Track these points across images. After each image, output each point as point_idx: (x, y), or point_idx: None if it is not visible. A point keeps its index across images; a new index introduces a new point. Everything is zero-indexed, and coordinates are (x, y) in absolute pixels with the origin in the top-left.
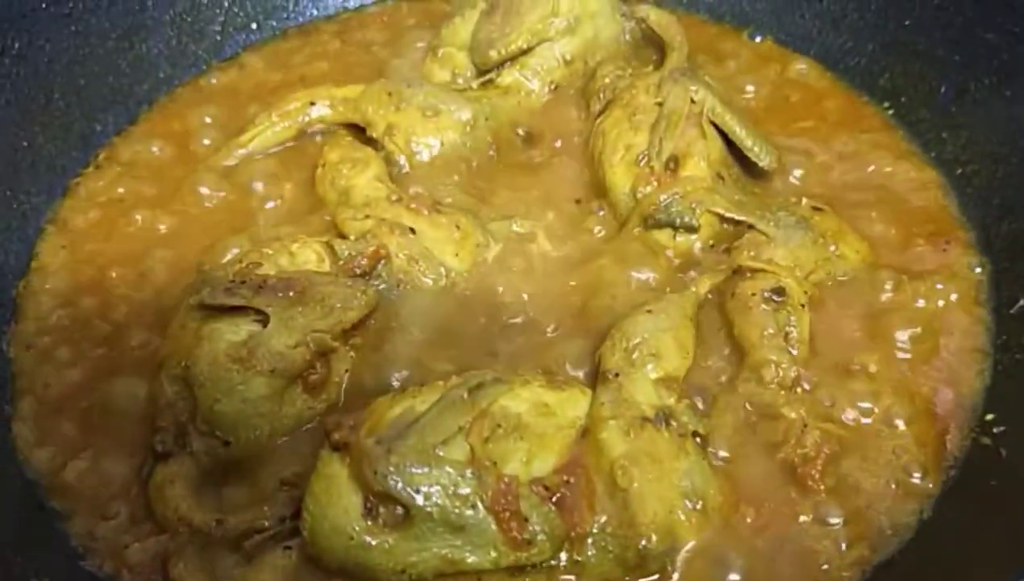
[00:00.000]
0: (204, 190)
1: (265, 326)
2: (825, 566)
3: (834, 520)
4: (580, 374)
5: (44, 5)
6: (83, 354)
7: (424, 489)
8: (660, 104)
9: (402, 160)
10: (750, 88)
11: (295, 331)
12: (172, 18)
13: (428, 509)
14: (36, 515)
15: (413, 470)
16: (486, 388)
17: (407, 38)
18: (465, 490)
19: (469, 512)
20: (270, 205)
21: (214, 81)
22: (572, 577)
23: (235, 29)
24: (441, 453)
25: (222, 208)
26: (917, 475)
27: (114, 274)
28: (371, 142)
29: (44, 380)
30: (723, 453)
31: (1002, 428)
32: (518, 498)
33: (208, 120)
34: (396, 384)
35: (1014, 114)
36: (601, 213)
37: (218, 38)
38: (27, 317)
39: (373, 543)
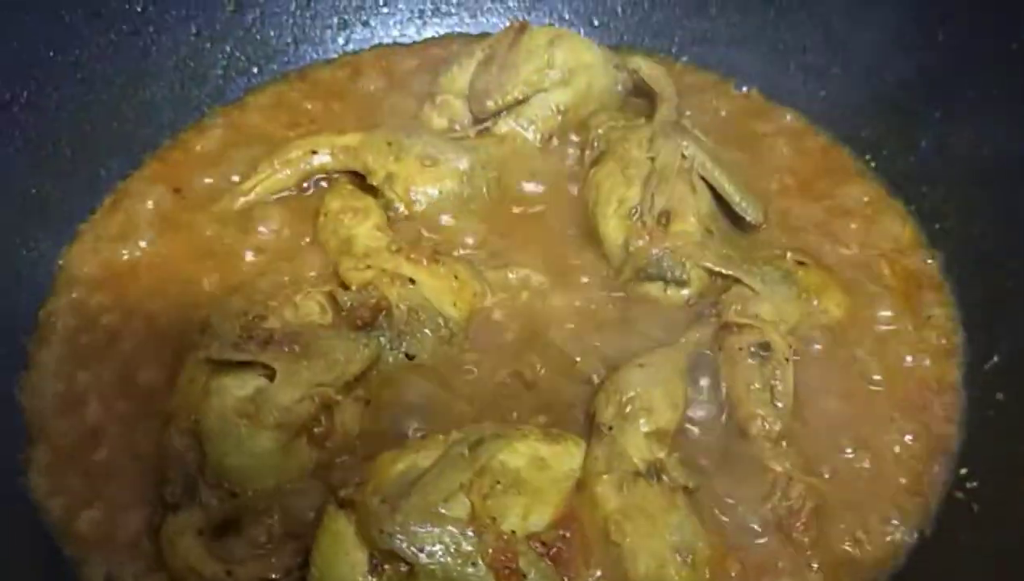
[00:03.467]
0: (208, 235)
1: (271, 379)
2: None
3: (816, 571)
4: (576, 421)
5: (52, 54)
6: (96, 402)
7: (428, 548)
8: (652, 159)
9: (401, 208)
10: (735, 138)
11: (300, 385)
12: (175, 63)
13: (431, 567)
14: (52, 561)
15: (417, 529)
16: (486, 444)
17: (406, 84)
18: (467, 548)
19: (470, 569)
20: (272, 250)
21: (217, 125)
22: None
23: (237, 73)
24: (444, 511)
25: (226, 253)
26: (894, 528)
27: (123, 319)
28: (371, 189)
29: (58, 429)
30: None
31: (975, 483)
32: (517, 554)
33: (211, 165)
34: (397, 433)
35: (991, 170)
36: (594, 262)
37: (220, 82)
38: (39, 364)
39: None
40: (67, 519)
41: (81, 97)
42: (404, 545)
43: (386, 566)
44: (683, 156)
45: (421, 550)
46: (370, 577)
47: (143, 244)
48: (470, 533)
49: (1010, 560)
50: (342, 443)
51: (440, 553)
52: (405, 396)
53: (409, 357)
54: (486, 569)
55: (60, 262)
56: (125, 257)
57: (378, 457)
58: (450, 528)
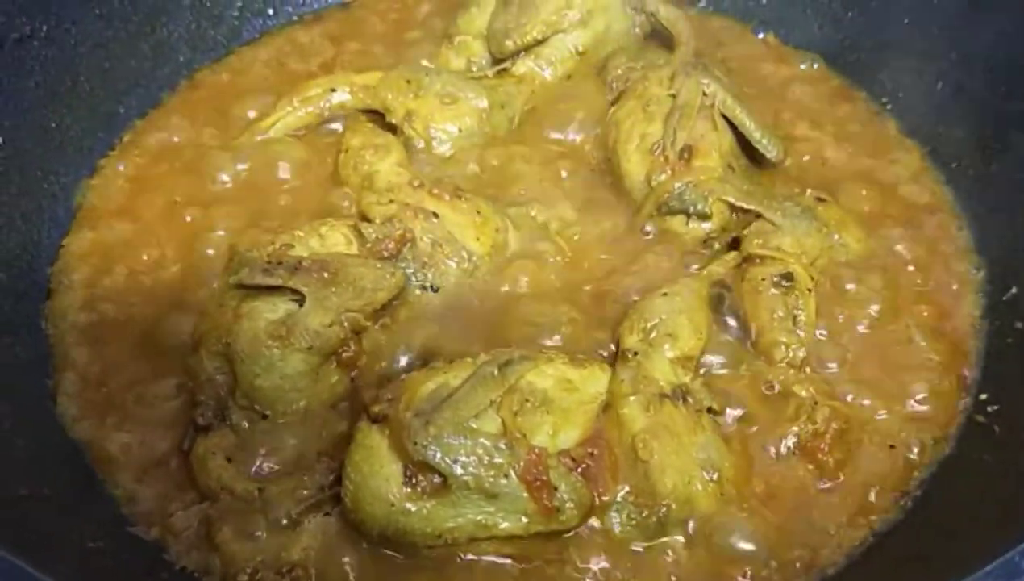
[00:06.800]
0: (225, 174)
1: (301, 305)
2: (830, 533)
3: (839, 491)
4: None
5: None
6: (118, 331)
7: (461, 459)
8: (673, 96)
9: (421, 145)
10: (753, 82)
11: (330, 311)
12: (192, 3)
13: (465, 478)
14: (85, 484)
15: (450, 441)
16: (514, 365)
17: (424, 25)
18: (499, 460)
19: (503, 481)
20: (291, 188)
21: (233, 65)
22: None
23: (252, 14)
24: (475, 426)
25: (243, 190)
26: (916, 450)
27: (142, 253)
28: (390, 127)
29: (83, 357)
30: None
31: (996, 407)
32: (547, 468)
33: (228, 104)
34: (421, 362)
35: (1006, 111)
36: (615, 200)
37: (236, 23)
38: (62, 294)
39: (412, 509)
40: (97, 442)
41: (99, 33)
42: (438, 457)
43: (420, 478)
44: (705, 93)
45: (455, 462)
46: (405, 489)
47: (160, 180)
48: (502, 446)
49: None
50: (369, 368)
51: (473, 465)
52: (430, 325)
53: (434, 289)
54: (518, 481)
55: (81, 196)
56: (144, 192)
57: (409, 376)
58: (483, 440)
